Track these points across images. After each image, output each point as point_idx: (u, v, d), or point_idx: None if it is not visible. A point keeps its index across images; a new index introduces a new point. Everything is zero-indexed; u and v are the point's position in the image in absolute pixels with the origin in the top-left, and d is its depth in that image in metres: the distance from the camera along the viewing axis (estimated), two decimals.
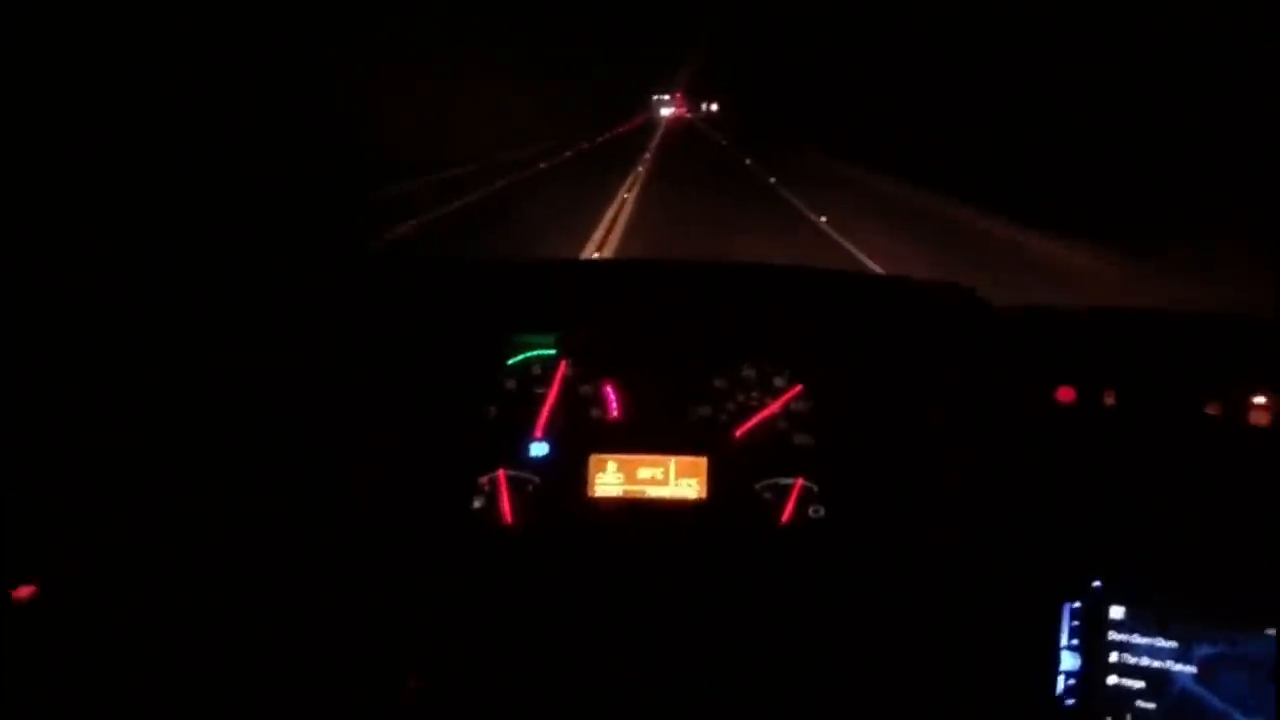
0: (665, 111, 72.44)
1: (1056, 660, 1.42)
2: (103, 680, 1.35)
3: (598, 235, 11.93)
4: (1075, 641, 1.43)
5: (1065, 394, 1.56)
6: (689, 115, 71.36)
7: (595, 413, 1.73)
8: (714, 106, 72.76)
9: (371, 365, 1.71)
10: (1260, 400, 1.46)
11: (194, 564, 1.49)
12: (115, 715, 1.35)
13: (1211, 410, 1.48)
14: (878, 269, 9.09)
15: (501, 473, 1.67)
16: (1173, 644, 1.38)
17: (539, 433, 1.71)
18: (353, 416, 1.67)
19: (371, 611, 1.54)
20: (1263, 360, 1.50)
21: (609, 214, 14.31)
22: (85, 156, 1.49)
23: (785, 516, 1.63)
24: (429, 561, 1.61)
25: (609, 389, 1.73)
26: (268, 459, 1.60)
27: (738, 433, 1.70)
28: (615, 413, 1.72)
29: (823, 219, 13.65)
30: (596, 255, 10.12)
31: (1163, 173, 8.72)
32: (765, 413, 1.71)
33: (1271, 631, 1.33)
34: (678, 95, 77.70)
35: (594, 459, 1.68)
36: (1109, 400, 1.54)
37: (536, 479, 1.67)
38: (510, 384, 1.75)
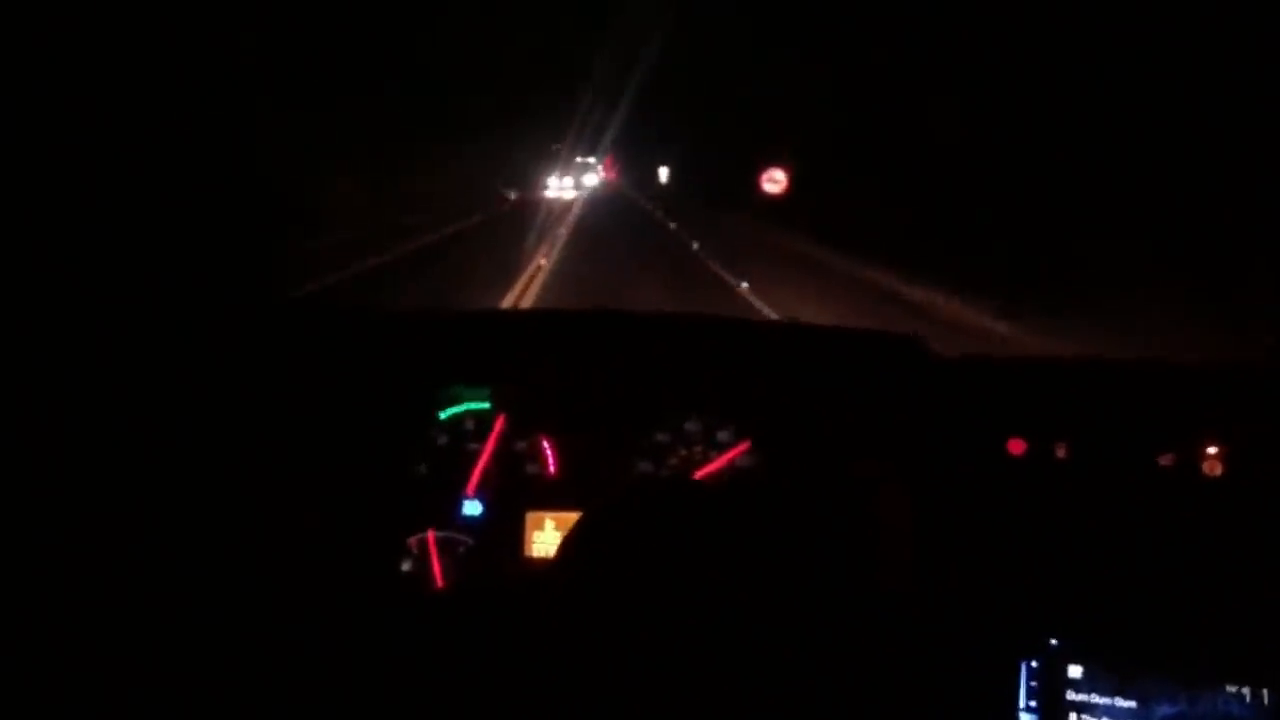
0: (567, 192, 37.25)
1: None
2: None
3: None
4: (1033, 703, 1.37)
5: (1016, 446, 1.52)
6: (617, 180, 48.27)
7: (531, 469, 1.65)
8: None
9: (291, 418, 1.62)
10: (1213, 450, 1.43)
11: (103, 627, 1.40)
12: None
13: (1164, 461, 1.45)
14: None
15: (431, 533, 1.58)
16: (1132, 704, 1.32)
17: (471, 491, 1.63)
18: (270, 473, 1.57)
19: (291, 680, 1.44)
20: (1214, 409, 1.48)
21: None
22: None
23: None
24: (354, 628, 1.52)
25: (546, 444, 1.66)
26: (180, 517, 1.51)
27: None
28: (553, 469, 1.65)
29: None
30: (528, 306, 9.73)
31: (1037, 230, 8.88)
32: (710, 468, 1.65)
33: (1231, 688, 1.28)
34: (606, 160, 52.09)
35: (531, 517, 1.60)
36: (1061, 452, 1.50)
37: (469, 540, 1.59)
38: (441, 439, 1.67)
